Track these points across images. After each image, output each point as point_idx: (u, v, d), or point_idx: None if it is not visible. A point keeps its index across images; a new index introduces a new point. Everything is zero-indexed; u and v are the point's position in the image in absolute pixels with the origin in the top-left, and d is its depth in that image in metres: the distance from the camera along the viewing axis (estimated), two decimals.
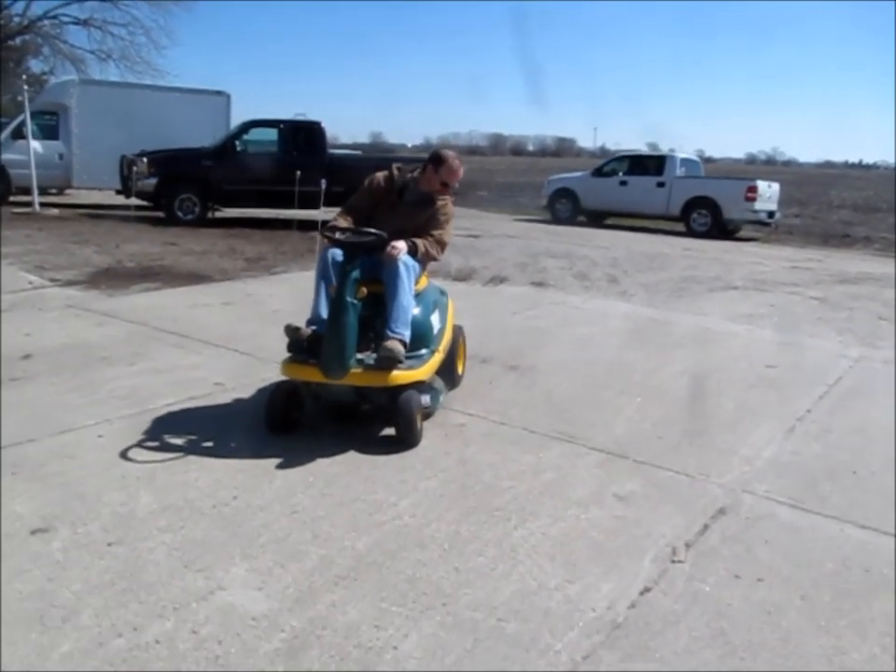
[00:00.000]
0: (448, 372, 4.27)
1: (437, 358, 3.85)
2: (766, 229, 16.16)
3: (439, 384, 3.98)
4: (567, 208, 16.91)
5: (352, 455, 3.41)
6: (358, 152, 18.37)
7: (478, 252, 10.94)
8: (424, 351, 3.78)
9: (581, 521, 2.89)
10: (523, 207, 21.10)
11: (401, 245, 3.68)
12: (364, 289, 3.47)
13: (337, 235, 3.54)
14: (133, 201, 12.59)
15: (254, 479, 3.14)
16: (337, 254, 3.61)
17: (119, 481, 3.09)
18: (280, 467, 3.26)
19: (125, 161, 12.54)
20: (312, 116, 13.28)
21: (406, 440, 3.48)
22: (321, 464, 3.30)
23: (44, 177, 13.87)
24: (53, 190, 16.33)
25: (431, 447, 3.54)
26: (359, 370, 3.41)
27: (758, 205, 14.97)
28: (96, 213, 13.58)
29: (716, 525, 2.92)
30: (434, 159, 3.96)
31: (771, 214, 15.61)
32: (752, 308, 7.51)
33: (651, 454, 3.59)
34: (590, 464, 3.45)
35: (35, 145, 13.79)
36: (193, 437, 3.55)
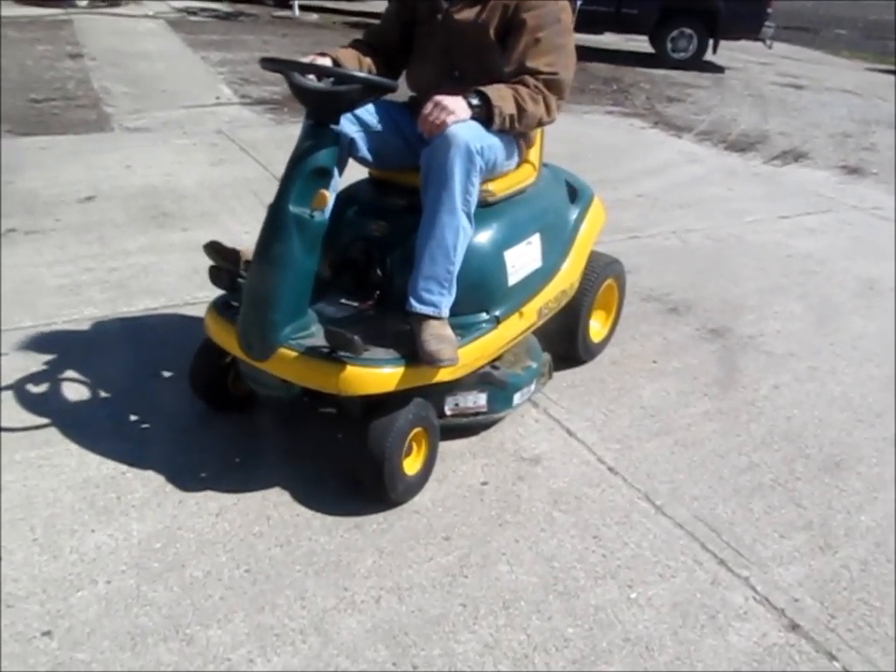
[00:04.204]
0: (565, 342, 2.47)
1: (505, 333, 2.05)
2: None
3: (518, 369, 2.18)
4: None
5: (281, 509, 1.88)
6: None
7: (787, 109, 8.09)
8: (482, 317, 2.01)
9: None
10: (889, 54, 16.28)
11: (454, 104, 1.77)
12: (325, 193, 1.75)
13: (296, 78, 1.72)
14: None
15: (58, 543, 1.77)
16: None
17: None
18: (130, 519, 1.84)
19: None
20: None
21: (377, 493, 1.86)
22: (202, 536, 1.81)
23: None
24: None
25: (430, 514, 1.88)
26: (294, 353, 1.77)
27: None
28: (361, 21, 12.47)
29: None
30: None
31: None
32: None
33: None
34: None
35: None
36: (115, 384, 2.28)
